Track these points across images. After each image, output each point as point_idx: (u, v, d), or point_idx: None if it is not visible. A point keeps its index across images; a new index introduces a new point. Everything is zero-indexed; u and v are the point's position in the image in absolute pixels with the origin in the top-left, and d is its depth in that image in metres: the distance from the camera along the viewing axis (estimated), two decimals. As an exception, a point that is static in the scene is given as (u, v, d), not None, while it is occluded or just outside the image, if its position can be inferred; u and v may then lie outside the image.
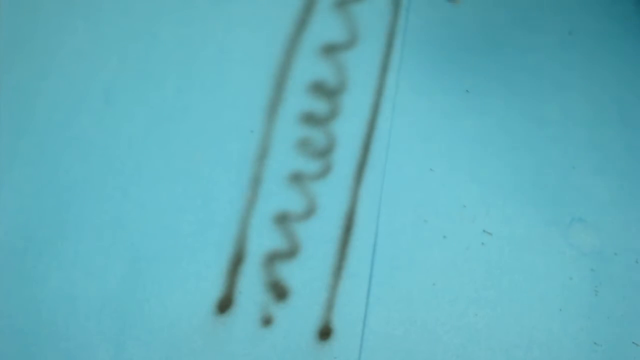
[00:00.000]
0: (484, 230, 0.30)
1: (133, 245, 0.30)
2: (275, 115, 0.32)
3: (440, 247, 0.30)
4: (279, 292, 0.29)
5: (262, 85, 0.33)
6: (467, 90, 0.31)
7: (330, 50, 0.34)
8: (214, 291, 0.29)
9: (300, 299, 0.29)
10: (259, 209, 0.31)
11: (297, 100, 0.32)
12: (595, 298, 0.29)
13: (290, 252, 0.30)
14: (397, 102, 0.32)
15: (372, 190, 0.31)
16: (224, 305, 0.29)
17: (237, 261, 0.30)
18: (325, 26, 0.34)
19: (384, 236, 0.30)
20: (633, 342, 0.28)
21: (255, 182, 0.31)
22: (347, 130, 0.32)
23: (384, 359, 0.28)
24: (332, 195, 0.31)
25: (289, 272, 0.30)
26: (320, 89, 0.33)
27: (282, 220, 0.30)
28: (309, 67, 0.33)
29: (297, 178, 0.31)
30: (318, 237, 0.30)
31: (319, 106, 0.32)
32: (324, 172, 0.31)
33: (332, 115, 0.32)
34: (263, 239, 0.30)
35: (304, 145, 0.32)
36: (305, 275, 0.29)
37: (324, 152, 0.32)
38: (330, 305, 0.29)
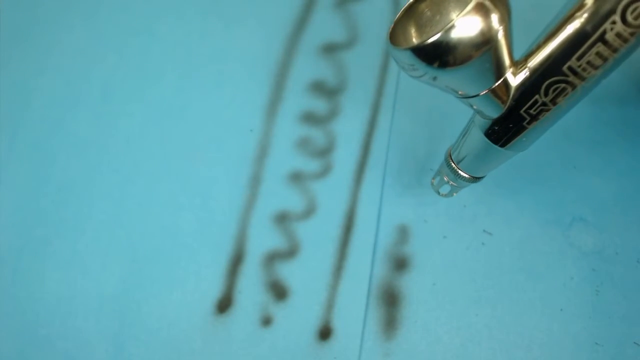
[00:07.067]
0: (484, 230, 0.29)
1: (131, 245, 0.30)
2: (275, 114, 0.32)
3: (440, 247, 0.29)
4: (279, 292, 0.29)
5: (261, 84, 0.33)
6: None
7: (330, 49, 0.33)
8: (213, 291, 0.29)
9: (300, 298, 0.29)
10: (258, 208, 0.30)
11: (297, 99, 0.32)
12: (596, 298, 0.29)
13: (290, 252, 0.30)
14: (397, 102, 0.32)
15: (372, 190, 0.30)
16: (224, 304, 0.29)
17: (236, 261, 0.30)
18: (325, 25, 0.34)
19: (384, 236, 0.30)
20: (635, 342, 0.28)
21: (255, 181, 0.31)
22: (347, 130, 0.32)
23: (384, 359, 0.28)
24: (332, 195, 0.30)
25: (288, 272, 0.29)
26: (320, 88, 0.33)
27: (282, 219, 0.30)
28: (309, 66, 0.33)
29: (296, 177, 0.31)
30: (318, 237, 0.30)
31: (319, 105, 0.32)
32: (324, 171, 0.31)
33: (332, 114, 0.32)
34: (263, 239, 0.30)
35: (303, 144, 0.31)
36: (305, 275, 0.29)
37: (324, 152, 0.31)
38: (330, 305, 0.29)
